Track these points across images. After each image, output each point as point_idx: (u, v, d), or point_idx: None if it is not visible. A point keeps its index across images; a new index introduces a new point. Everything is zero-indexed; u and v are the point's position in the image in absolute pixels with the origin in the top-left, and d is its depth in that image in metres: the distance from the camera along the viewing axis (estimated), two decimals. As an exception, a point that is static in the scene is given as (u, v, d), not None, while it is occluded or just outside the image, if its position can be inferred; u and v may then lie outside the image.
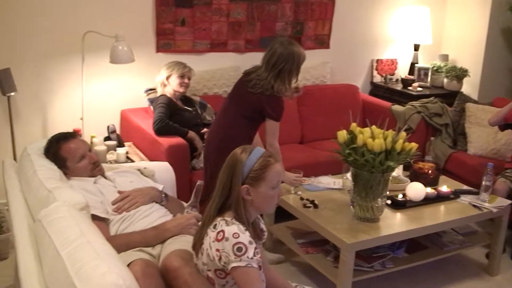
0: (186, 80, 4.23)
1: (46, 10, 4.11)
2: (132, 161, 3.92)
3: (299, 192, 3.58)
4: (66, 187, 2.52)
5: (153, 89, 4.44)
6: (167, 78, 4.22)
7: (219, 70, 4.83)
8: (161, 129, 3.97)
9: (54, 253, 1.88)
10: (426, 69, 5.66)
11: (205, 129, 4.23)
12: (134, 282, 1.76)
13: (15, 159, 3.86)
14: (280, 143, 4.68)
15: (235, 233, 2.06)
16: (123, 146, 4.16)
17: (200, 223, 2.38)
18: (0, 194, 3.70)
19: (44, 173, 2.63)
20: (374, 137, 3.02)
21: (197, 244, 2.23)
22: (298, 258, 3.72)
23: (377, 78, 5.75)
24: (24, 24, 4.06)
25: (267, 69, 3.43)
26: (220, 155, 3.31)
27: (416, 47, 5.76)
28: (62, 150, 2.86)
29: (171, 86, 4.22)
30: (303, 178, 3.67)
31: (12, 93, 3.93)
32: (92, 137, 4.11)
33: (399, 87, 5.57)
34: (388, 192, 3.22)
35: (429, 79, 5.64)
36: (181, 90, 4.24)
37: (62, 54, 4.23)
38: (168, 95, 4.23)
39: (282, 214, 3.60)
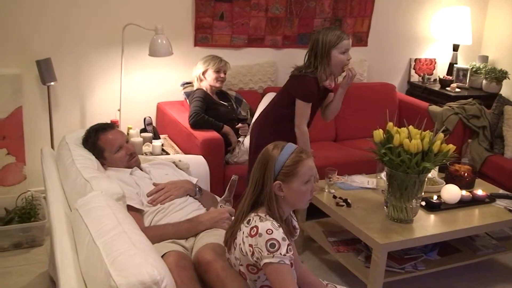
0: (222, 75, 4.25)
1: (88, 2, 4.17)
2: (167, 153, 3.96)
3: (332, 191, 3.57)
4: (103, 177, 2.56)
5: (189, 83, 4.46)
6: (203, 73, 4.24)
7: (256, 65, 4.84)
8: (197, 123, 4.00)
9: (90, 241, 1.91)
10: (465, 70, 5.59)
11: (240, 124, 4.25)
12: (168, 273, 1.78)
13: (53, 147, 3.93)
14: (314, 140, 4.68)
15: (268, 229, 2.06)
16: (158, 138, 4.20)
17: (233, 218, 2.39)
18: (38, 181, 3.78)
19: (82, 163, 2.68)
20: (411, 138, 2.99)
21: (230, 240, 2.24)
22: (329, 257, 3.71)
23: (415, 78, 5.69)
24: (66, 15, 4.13)
25: None
26: (253, 135, 3.67)
27: (456, 48, 5.68)
28: (100, 140, 2.90)
29: (207, 81, 4.24)
30: (337, 176, 3.66)
31: (52, 83, 4.00)
32: (129, 128, 4.17)
33: (437, 87, 5.51)
34: (423, 194, 3.19)
35: (467, 80, 5.57)
36: (217, 85, 4.26)
37: (102, 46, 4.29)
38: (204, 89, 4.25)
39: (314, 212, 3.60)
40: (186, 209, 2.74)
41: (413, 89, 5.66)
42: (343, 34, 3.37)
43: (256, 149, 3.37)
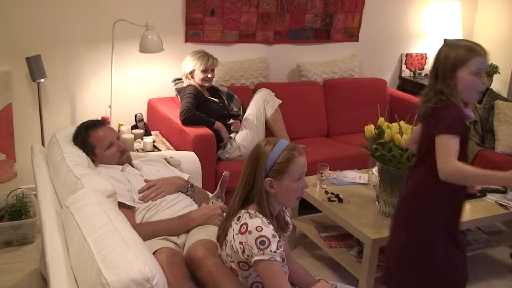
0: (209, 75, 4.21)
1: (78, -2, 4.15)
2: (159, 150, 3.94)
3: (324, 186, 3.57)
4: (94, 174, 2.55)
5: (181, 79, 4.44)
6: (190, 73, 4.22)
7: (247, 61, 4.83)
8: (188, 119, 3.98)
9: (81, 239, 1.90)
10: (456, 65, 5.59)
11: (232, 120, 4.23)
12: (160, 270, 1.77)
13: (43, 145, 3.91)
14: (305, 136, 4.73)
15: (258, 226, 2.05)
16: (150, 135, 4.19)
17: (224, 214, 2.39)
18: (28, 179, 3.76)
19: (72, 160, 2.66)
20: (402, 133, 3.00)
21: (221, 236, 2.24)
22: (321, 252, 3.71)
23: (406, 73, 5.70)
24: (56, 12, 4.10)
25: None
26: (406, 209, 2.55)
27: (446, 42, 5.69)
28: (91, 137, 2.89)
29: (195, 81, 4.22)
30: (329, 171, 3.66)
31: (42, 80, 3.98)
32: (120, 125, 4.15)
33: (428, 82, 5.50)
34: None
35: (458, 75, 5.57)
36: (205, 84, 4.23)
37: (93, 42, 4.27)
38: (196, 85, 4.23)
39: (306, 207, 3.60)
40: (178, 205, 2.73)
41: (404, 84, 5.67)
42: (476, 47, 2.41)
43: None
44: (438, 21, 5.60)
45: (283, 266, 2.11)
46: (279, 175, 2.14)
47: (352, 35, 5.31)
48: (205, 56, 4.20)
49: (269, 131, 4.38)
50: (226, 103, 4.40)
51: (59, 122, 4.22)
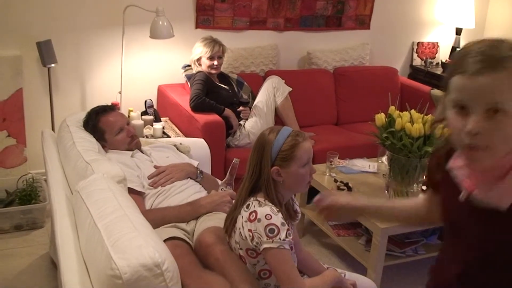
0: (215, 62, 4.18)
1: (88, -17, 4.14)
2: (168, 136, 3.95)
3: (333, 174, 3.56)
4: (104, 159, 2.55)
5: (190, 66, 4.44)
6: (198, 60, 4.21)
7: (258, 48, 4.81)
8: (198, 106, 3.98)
9: (91, 224, 1.90)
10: (468, 54, 5.55)
11: (241, 108, 4.23)
12: (170, 256, 1.77)
13: (53, 130, 3.92)
14: (315, 124, 4.72)
15: (267, 214, 2.05)
16: (159, 121, 4.19)
17: (233, 201, 2.39)
18: (39, 163, 3.78)
19: (82, 145, 2.67)
20: (413, 122, 2.98)
21: (230, 226, 2.23)
22: (329, 240, 3.72)
23: (417, 61, 5.66)
24: (66, -4, 4.10)
25: None
26: None
27: (458, 31, 5.64)
28: (101, 122, 2.90)
29: (202, 68, 4.21)
30: (338, 160, 3.65)
31: (53, 65, 3.98)
32: (130, 111, 4.16)
33: (439, 71, 5.48)
34: (424, 178, 3.19)
35: (470, 64, 5.53)
36: (213, 72, 4.21)
37: (103, 27, 4.26)
38: (205, 72, 4.21)
39: (315, 195, 3.58)
40: (187, 191, 2.74)
41: (415, 73, 5.64)
42: None
43: None
44: (451, 10, 5.55)
45: (291, 254, 2.11)
46: (285, 163, 2.13)
47: (363, 22, 5.27)
48: (211, 43, 4.18)
49: (278, 118, 4.38)
50: (236, 90, 4.39)
51: (69, 108, 4.22)
